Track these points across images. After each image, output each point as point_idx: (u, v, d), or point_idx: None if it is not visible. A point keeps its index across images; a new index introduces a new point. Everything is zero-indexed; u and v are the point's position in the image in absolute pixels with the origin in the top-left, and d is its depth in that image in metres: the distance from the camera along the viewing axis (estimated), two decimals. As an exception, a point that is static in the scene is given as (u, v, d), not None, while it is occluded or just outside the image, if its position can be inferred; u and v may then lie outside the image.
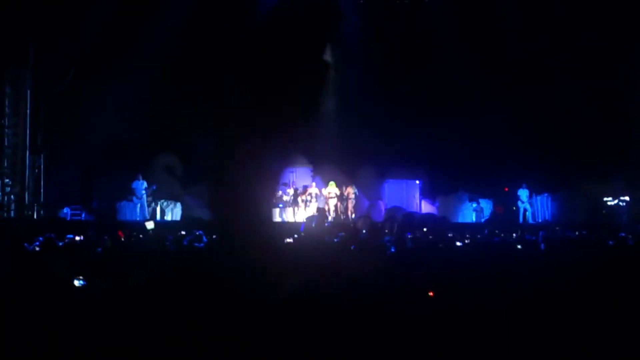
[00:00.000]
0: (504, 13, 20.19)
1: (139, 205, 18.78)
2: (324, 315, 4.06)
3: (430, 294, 4.67)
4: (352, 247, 7.13)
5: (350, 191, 20.03)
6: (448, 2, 20.74)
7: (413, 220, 17.85)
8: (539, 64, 19.89)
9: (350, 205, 20.00)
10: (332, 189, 19.93)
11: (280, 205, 19.94)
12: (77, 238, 9.46)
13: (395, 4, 21.24)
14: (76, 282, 4.93)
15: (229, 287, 5.10)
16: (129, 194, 18.91)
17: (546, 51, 19.88)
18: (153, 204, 18.90)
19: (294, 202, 19.77)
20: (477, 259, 6.57)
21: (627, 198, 19.07)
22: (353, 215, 19.73)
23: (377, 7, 21.04)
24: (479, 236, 10.26)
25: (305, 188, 19.93)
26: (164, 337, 4.04)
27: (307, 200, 19.70)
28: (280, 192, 20.17)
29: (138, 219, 18.54)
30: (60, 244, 8.13)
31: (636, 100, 19.77)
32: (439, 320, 4.28)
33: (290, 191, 20.04)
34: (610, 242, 9.54)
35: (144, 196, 18.76)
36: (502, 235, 11.60)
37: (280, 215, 19.67)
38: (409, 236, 9.44)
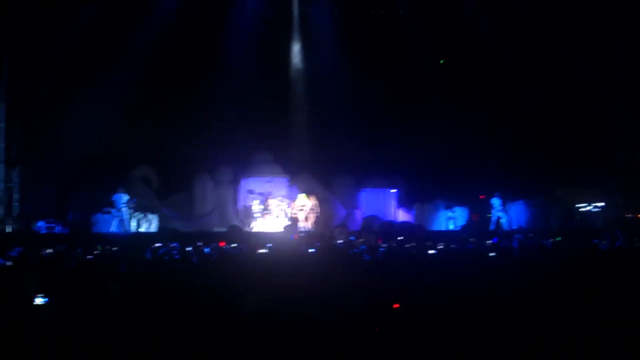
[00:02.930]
0: (480, 23, 20.31)
1: (117, 218, 18.52)
2: (297, 328, 4.05)
3: (395, 305, 4.68)
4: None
5: (309, 203, 20.00)
6: (423, 13, 20.80)
7: (390, 229, 17.93)
8: (514, 74, 20.04)
9: (312, 216, 19.95)
10: (300, 201, 19.95)
11: (258, 215, 19.90)
12: (48, 251, 9.35)
13: (370, 14, 21.30)
14: (38, 300, 4.86)
15: (204, 298, 5.08)
16: (108, 206, 18.66)
17: (521, 61, 20.03)
18: (128, 216, 18.67)
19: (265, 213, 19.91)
20: (450, 267, 6.60)
21: (602, 204, 19.25)
22: (311, 226, 19.66)
23: (352, 18, 21.08)
24: (452, 245, 10.30)
25: (266, 199, 20.03)
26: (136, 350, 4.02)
27: (269, 212, 19.78)
28: (258, 202, 20.11)
29: (114, 231, 18.34)
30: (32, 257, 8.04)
31: (609, 109, 20.00)
32: (412, 330, 4.30)
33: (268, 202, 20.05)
34: (584, 248, 9.66)
35: (125, 209, 18.51)
36: (476, 242, 11.67)
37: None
38: (385, 245, 9.48)
